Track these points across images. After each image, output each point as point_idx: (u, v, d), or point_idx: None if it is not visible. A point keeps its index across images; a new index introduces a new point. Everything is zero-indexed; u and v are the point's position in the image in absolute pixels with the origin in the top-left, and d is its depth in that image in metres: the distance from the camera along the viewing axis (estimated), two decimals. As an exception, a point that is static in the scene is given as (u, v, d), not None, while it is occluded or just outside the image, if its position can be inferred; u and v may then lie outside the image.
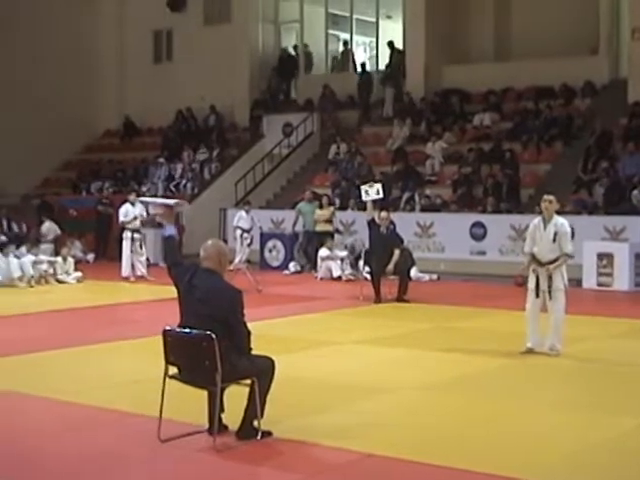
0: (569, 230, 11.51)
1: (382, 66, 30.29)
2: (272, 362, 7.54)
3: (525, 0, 27.92)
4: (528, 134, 24.80)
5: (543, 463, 7.08)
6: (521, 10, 27.90)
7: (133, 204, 21.12)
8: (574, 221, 18.93)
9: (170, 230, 7.99)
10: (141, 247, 21.14)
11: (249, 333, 7.41)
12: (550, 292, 11.33)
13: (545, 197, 11.62)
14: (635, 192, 20.82)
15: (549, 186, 20.79)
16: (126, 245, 20.94)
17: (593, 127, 24.00)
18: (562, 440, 7.73)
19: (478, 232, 21.73)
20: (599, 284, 19.03)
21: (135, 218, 20.97)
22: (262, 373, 7.39)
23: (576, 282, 18.02)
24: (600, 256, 19.13)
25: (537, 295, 11.41)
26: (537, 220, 11.56)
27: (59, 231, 25.05)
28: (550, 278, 11.31)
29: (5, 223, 26.08)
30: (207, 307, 7.26)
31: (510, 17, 28.17)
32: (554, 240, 11.27)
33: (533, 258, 11.47)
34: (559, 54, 25.76)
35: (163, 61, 33.88)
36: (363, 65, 30.64)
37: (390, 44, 29.41)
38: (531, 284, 11.50)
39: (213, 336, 7.06)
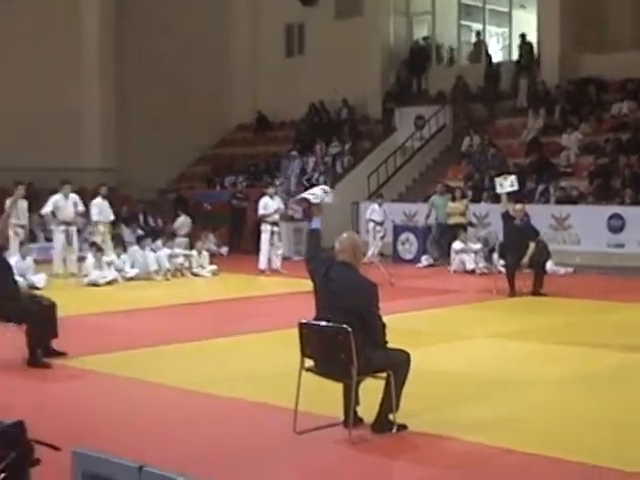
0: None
1: (515, 56, 29.90)
2: (407, 355, 7.51)
3: (666, -16, 27.16)
4: (668, 123, 24.14)
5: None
6: (661, -5, 27.14)
7: (272, 197, 21.32)
8: None
9: (317, 223, 7.96)
10: (279, 240, 21.33)
11: (384, 326, 7.40)
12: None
13: None
14: None
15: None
16: (265, 238, 21.06)
17: None
18: None
19: (616, 224, 21.26)
20: None
21: (275, 211, 21.17)
22: (398, 366, 7.37)
23: None
24: None
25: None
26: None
27: (192, 225, 25.45)
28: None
29: (142, 217, 26.73)
30: (342, 300, 7.27)
31: (650, 2, 27.41)
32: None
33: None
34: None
35: (295, 55, 34.10)
36: (490, 56, 30.30)
37: (522, 36, 29.01)
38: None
39: (349, 329, 7.08)
